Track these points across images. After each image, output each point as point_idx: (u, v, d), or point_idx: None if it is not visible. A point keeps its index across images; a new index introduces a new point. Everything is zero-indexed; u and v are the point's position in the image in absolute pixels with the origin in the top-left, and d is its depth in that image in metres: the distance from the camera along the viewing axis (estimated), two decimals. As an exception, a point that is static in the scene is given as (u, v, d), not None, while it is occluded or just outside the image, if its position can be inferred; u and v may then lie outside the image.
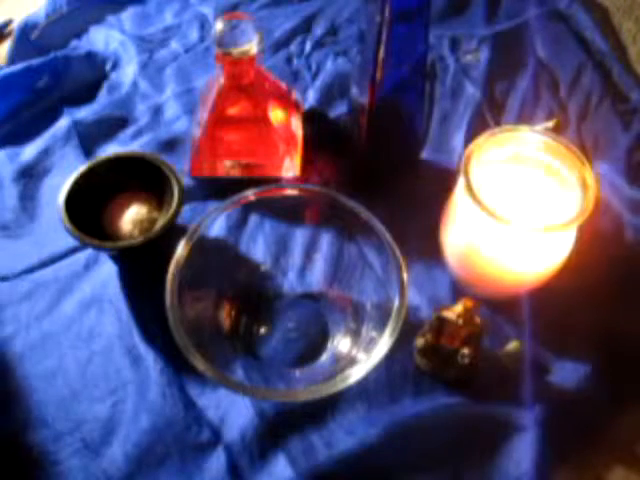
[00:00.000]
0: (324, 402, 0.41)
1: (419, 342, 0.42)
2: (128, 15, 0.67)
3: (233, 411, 0.42)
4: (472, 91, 0.60)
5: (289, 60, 0.63)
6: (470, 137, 0.55)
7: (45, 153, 0.55)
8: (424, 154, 0.54)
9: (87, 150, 0.55)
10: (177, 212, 0.44)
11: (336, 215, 0.43)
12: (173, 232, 0.45)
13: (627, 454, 0.41)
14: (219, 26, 0.45)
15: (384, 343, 0.37)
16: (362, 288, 0.44)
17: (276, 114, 0.51)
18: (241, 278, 0.46)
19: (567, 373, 0.43)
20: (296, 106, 0.56)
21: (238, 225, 0.46)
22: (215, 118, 0.50)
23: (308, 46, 0.65)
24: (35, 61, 0.59)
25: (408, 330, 0.41)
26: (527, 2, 0.67)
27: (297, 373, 0.43)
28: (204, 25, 0.66)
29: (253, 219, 0.47)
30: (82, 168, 0.46)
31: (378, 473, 0.40)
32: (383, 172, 0.51)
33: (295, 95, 0.57)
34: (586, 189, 0.39)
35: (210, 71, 0.58)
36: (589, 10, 0.66)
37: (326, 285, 0.47)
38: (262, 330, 0.45)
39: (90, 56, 0.62)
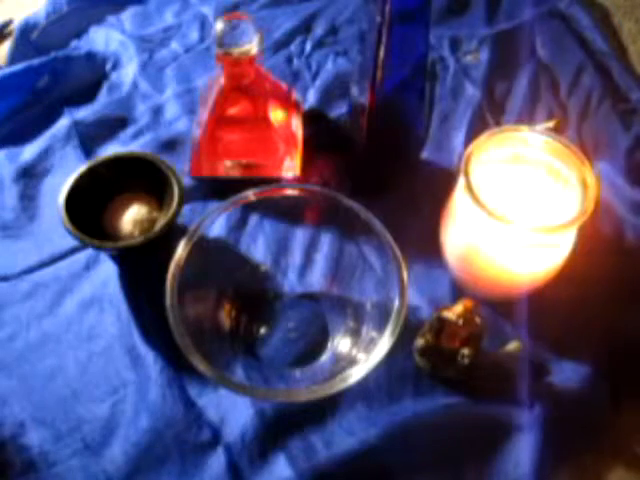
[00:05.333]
0: (324, 402, 0.41)
1: (419, 342, 0.42)
2: (128, 15, 0.67)
3: (233, 411, 0.42)
4: (472, 91, 0.60)
5: (289, 60, 0.63)
6: (470, 137, 0.55)
7: (45, 153, 0.55)
8: (424, 154, 0.54)
9: (87, 150, 0.55)
10: (177, 212, 0.44)
11: (336, 215, 0.43)
12: (173, 232, 0.45)
13: (627, 454, 0.41)
14: (219, 26, 0.45)
15: (384, 343, 0.37)
16: (362, 288, 0.44)
17: (276, 114, 0.51)
18: (241, 278, 0.46)
19: (567, 373, 0.43)
20: (296, 106, 0.56)
21: (238, 225, 0.46)
22: (215, 118, 0.50)
23: (308, 46, 0.65)
24: (35, 61, 0.59)
25: (408, 330, 0.41)
26: (527, 2, 0.67)
27: (297, 373, 0.43)
28: (204, 25, 0.66)
29: (253, 219, 0.47)
30: (82, 168, 0.46)
31: (378, 473, 0.40)
32: (383, 172, 0.51)
33: (295, 95, 0.57)
34: (586, 189, 0.39)
35: (210, 71, 0.57)
36: (589, 10, 0.66)
37: (326, 285, 0.47)
38: (262, 330, 0.45)
39: (90, 56, 0.62)
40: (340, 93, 0.59)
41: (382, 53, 0.41)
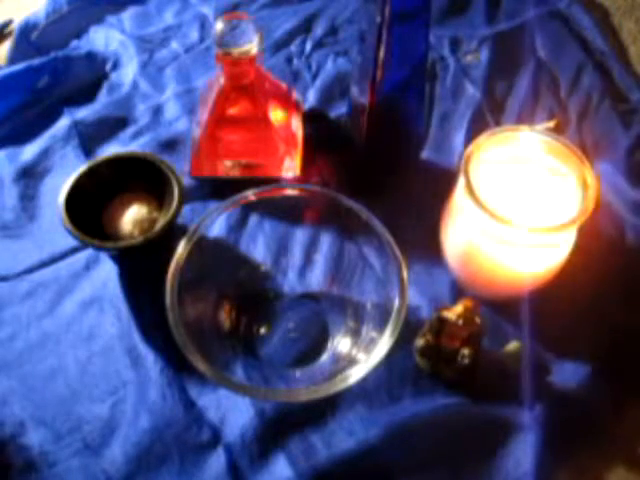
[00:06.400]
0: (324, 402, 0.41)
1: (419, 342, 0.42)
2: (128, 15, 0.67)
3: (233, 411, 0.42)
4: (472, 91, 0.60)
5: (289, 60, 0.63)
6: (470, 137, 0.55)
7: (45, 153, 0.55)
8: (424, 154, 0.54)
9: (87, 150, 0.55)
10: (177, 212, 0.44)
11: (336, 215, 0.43)
12: (173, 232, 0.45)
13: (627, 454, 0.41)
14: (219, 26, 0.45)
15: (384, 343, 0.37)
16: (362, 288, 0.44)
17: (276, 114, 0.51)
18: (241, 278, 0.46)
19: (567, 373, 0.43)
20: (296, 106, 0.56)
21: (238, 225, 0.46)
22: (215, 118, 0.50)
23: (308, 46, 0.65)
24: (35, 61, 0.59)
25: (408, 330, 0.41)
26: (527, 2, 0.67)
27: (297, 373, 0.43)
28: (204, 25, 0.66)
29: (253, 219, 0.47)
30: (82, 168, 0.46)
31: (378, 473, 0.40)
32: (383, 172, 0.51)
33: (295, 95, 0.57)
34: (586, 189, 0.39)
35: (210, 71, 0.57)
36: (589, 10, 0.66)
37: (326, 285, 0.47)
38: (262, 330, 0.45)
39: (90, 56, 0.62)
40: (340, 93, 0.59)
41: (382, 53, 0.41)
